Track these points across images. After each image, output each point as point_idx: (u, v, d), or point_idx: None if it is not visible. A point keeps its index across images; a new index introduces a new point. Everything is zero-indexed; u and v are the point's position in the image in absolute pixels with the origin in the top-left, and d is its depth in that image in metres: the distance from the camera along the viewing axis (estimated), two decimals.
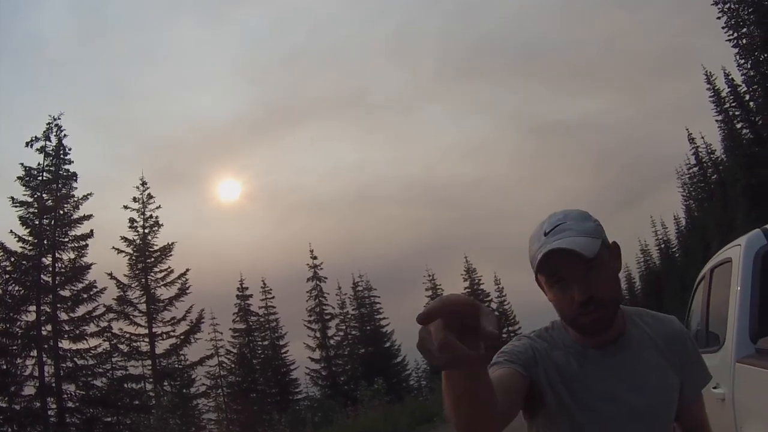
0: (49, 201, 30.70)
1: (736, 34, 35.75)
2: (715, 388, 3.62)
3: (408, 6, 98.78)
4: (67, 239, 30.93)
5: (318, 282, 47.29)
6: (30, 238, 29.86)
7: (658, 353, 1.89)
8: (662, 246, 69.66)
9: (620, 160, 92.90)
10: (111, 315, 32.13)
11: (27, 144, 30.67)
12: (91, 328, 30.66)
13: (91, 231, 31.39)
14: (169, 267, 35.41)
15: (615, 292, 1.79)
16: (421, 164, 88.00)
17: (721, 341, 3.85)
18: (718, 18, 36.07)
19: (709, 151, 51.66)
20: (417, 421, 24.60)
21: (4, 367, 27.67)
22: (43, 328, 29.10)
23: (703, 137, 51.90)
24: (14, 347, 28.24)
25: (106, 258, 34.29)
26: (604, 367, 1.84)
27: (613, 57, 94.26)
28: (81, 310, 30.53)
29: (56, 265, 30.32)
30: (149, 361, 33.03)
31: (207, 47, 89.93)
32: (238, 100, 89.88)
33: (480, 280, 55.87)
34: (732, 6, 35.74)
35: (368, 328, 48.88)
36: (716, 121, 43.47)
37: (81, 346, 29.96)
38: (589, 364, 1.84)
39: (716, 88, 42.67)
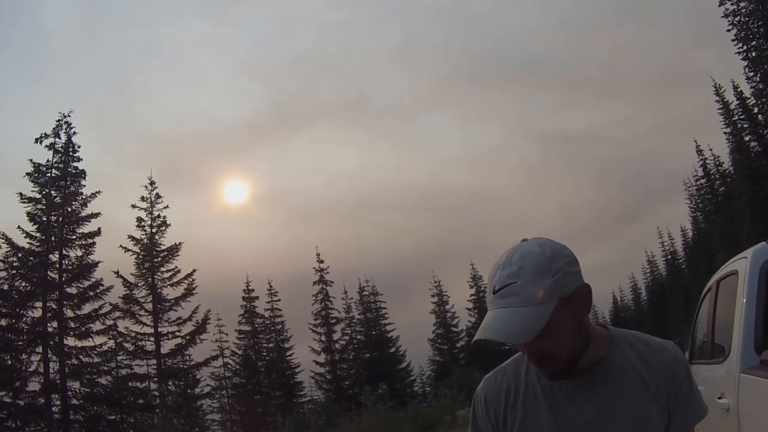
0: (58, 198, 30.84)
1: (745, 47, 35.75)
2: (719, 398, 3.64)
3: (416, 14, 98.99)
4: (74, 236, 31.04)
5: (324, 286, 47.32)
6: (37, 235, 29.99)
7: (641, 384, 1.75)
8: (669, 257, 69.35)
9: (627, 171, 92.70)
10: (117, 313, 32.33)
11: (36, 140, 30.89)
12: (97, 325, 30.83)
13: (99, 229, 31.57)
14: (176, 267, 35.67)
15: (571, 347, 1.70)
16: (427, 171, 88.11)
17: (726, 352, 3.84)
18: (728, 30, 36.15)
19: (717, 163, 51.49)
20: (420, 428, 24.48)
21: (9, 362, 27.78)
22: (48, 325, 29.23)
23: (711, 149, 51.79)
24: (20, 343, 28.34)
25: (113, 256, 34.53)
26: (574, 401, 1.75)
27: (622, 69, 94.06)
28: (87, 308, 30.75)
29: (63, 262, 30.41)
30: (154, 361, 33.16)
31: (215, 49, 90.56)
32: (246, 102, 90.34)
33: (486, 287, 55.62)
34: (742, 19, 35.75)
35: (374, 332, 48.82)
36: (725, 133, 43.33)
37: (86, 343, 30.11)
38: (559, 398, 1.77)
39: (725, 100, 42.52)
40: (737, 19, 35.82)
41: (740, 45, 35.82)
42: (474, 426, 1.95)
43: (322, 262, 47.45)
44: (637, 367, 1.77)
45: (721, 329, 4.23)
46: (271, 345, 44.23)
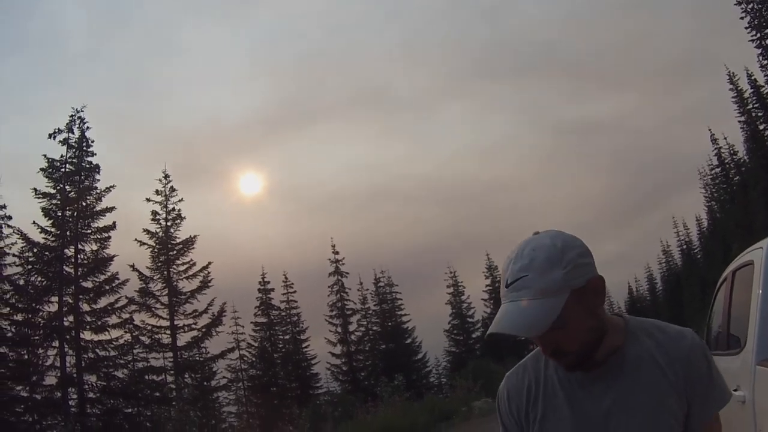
0: (72, 193, 30.98)
1: (759, 35, 35.45)
2: (735, 390, 3.53)
3: (428, 6, 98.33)
4: (89, 231, 31.17)
5: (339, 277, 47.39)
6: (53, 230, 30.14)
7: (658, 372, 1.75)
8: (684, 247, 68.82)
9: (641, 160, 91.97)
10: (133, 307, 32.44)
11: (50, 136, 30.92)
12: (113, 319, 30.93)
13: (114, 223, 31.63)
14: (191, 260, 35.71)
15: (584, 339, 1.71)
16: (439, 162, 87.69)
17: (742, 344, 3.79)
18: (741, 18, 35.81)
19: (732, 152, 50.98)
20: (436, 419, 24.45)
21: (26, 357, 28.02)
22: (65, 319, 29.34)
23: (725, 138, 51.25)
24: (36, 337, 28.58)
25: (128, 250, 34.67)
26: (590, 392, 1.77)
27: (635, 58, 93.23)
28: (103, 302, 30.86)
29: (78, 256, 30.56)
30: (170, 353, 33.25)
31: (227, 47, 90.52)
32: (258, 98, 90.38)
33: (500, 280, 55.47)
34: (755, 6, 35.40)
35: (389, 324, 48.84)
36: (739, 122, 43.13)
37: (102, 337, 30.28)
38: (576, 391, 1.78)
39: (739, 88, 42.31)
40: (750, 6, 35.51)
41: (753, 33, 35.52)
42: (501, 424, 1.97)
43: (337, 253, 47.58)
44: (655, 356, 1.77)
45: (736, 320, 4.19)
46: (287, 337, 44.39)
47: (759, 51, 35.86)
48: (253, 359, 41.60)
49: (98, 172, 31.77)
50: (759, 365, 3.39)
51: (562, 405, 1.79)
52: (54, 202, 30.44)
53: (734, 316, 4.30)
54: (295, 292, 45.44)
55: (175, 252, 35.51)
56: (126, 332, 31.32)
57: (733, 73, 42.58)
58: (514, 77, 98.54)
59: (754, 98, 40.53)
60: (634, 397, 1.73)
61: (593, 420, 1.74)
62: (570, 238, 1.73)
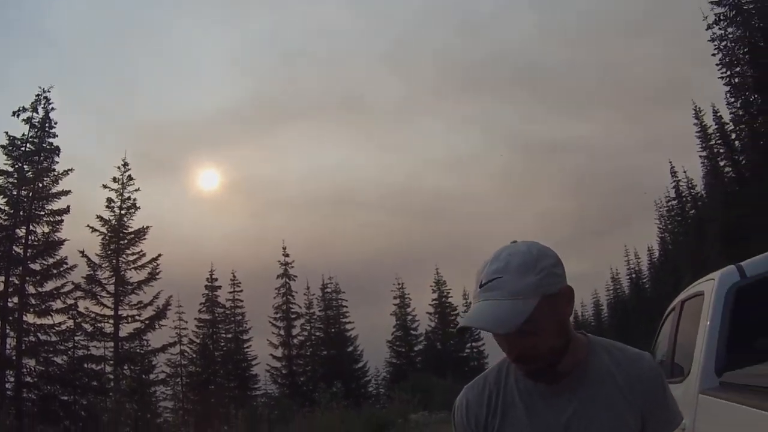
0: (30, 173, 30.58)
1: (729, 72, 36.03)
2: None
3: (411, 19, 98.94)
4: (43, 213, 30.81)
5: (287, 280, 47.56)
6: (6, 208, 29.79)
7: (617, 391, 1.80)
8: (633, 276, 70.39)
9: (603, 186, 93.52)
10: (78, 293, 32.01)
11: (14, 113, 30.66)
12: (58, 304, 30.53)
13: (68, 207, 31.32)
14: (142, 250, 35.43)
15: (551, 345, 1.75)
16: (406, 173, 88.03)
17: (685, 372, 3.91)
18: (713, 55, 36.47)
19: (690, 185, 52.00)
20: (373, 428, 24.80)
21: None
22: (9, 300, 28.90)
23: (685, 171, 52.09)
24: None
25: (79, 236, 34.10)
26: (551, 404, 1.81)
27: (607, 84, 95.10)
28: (49, 285, 30.44)
29: (29, 237, 30.20)
30: (112, 343, 32.87)
31: (205, 41, 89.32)
32: (230, 92, 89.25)
33: (449, 293, 56.16)
34: (728, 44, 36.13)
35: (333, 330, 49.10)
36: (700, 156, 43.87)
37: (45, 321, 29.83)
38: (536, 402, 1.82)
39: (704, 123, 43.12)
40: (723, 44, 36.20)
41: (724, 70, 36.18)
42: None
43: (287, 255, 47.77)
44: (614, 374, 1.82)
45: (682, 349, 4.28)
46: (229, 336, 44.30)
47: (727, 89, 36.46)
48: (194, 356, 41.41)
49: (58, 154, 31.49)
50: (702, 394, 3.49)
51: (522, 416, 1.81)
52: (11, 180, 30.07)
53: (680, 345, 4.39)
54: (241, 291, 45.54)
55: (126, 241, 35.18)
56: (69, 318, 30.98)
57: (699, 108, 43.40)
58: (487, 94, 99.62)
59: (718, 135, 41.26)
60: (594, 411, 1.77)
61: (553, 431, 1.78)
62: (545, 248, 1.79)
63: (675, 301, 5.02)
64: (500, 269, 1.72)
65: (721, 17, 35.63)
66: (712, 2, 35.72)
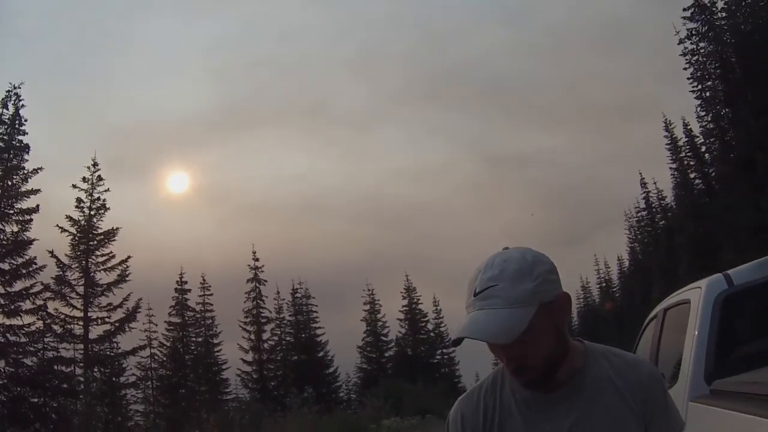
0: None
1: (700, 86, 36.55)
2: None
3: (377, 28, 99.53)
4: (12, 211, 30.22)
5: (257, 284, 47.39)
6: None
7: (618, 396, 1.75)
8: (603, 285, 71.27)
9: (571, 197, 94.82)
10: (48, 294, 31.37)
11: None
12: (27, 304, 29.92)
13: (37, 206, 30.71)
14: (111, 252, 34.95)
15: (550, 354, 1.72)
16: (373, 182, 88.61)
17: (672, 380, 3.86)
18: (685, 69, 37.00)
19: (660, 197, 53.04)
20: None
21: None
22: None
23: (655, 183, 53.29)
24: None
25: (48, 235, 33.59)
26: (549, 415, 1.76)
27: (577, 97, 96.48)
28: (18, 286, 29.88)
29: None
30: (81, 345, 32.40)
31: (175, 44, 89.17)
32: (199, 96, 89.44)
33: (419, 299, 56.40)
34: (700, 59, 36.66)
35: (303, 335, 49.04)
36: (670, 168, 44.71)
37: (14, 322, 29.20)
38: (534, 413, 1.77)
39: (674, 136, 44.16)
40: (695, 58, 36.70)
41: (695, 84, 36.67)
42: None
43: (257, 260, 47.64)
44: (614, 380, 1.77)
45: (665, 357, 4.25)
46: (199, 339, 43.95)
47: (698, 102, 36.99)
48: (164, 359, 40.98)
49: (27, 152, 30.89)
50: (692, 402, 3.48)
51: (520, 428, 1.77)
52: None
53: (663, 353, 4.36)
54: (211, 294, 45.25)
55: (95, 242, 34.71)
56: (38, 319, 30.37)
57: (669, 121, 44.51)
58: (455, 105, 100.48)
59: (688, 147, 42.17)
60: (596, 419, 1.72)
61: None
62: (539, 254, 1.74)
63: (656, 308, 5.01)
64: (495, 277, 1.66)
65: (693, 32, 36.19)
66: (684, 18, 36.29)
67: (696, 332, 3.69)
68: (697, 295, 3.89)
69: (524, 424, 1.77)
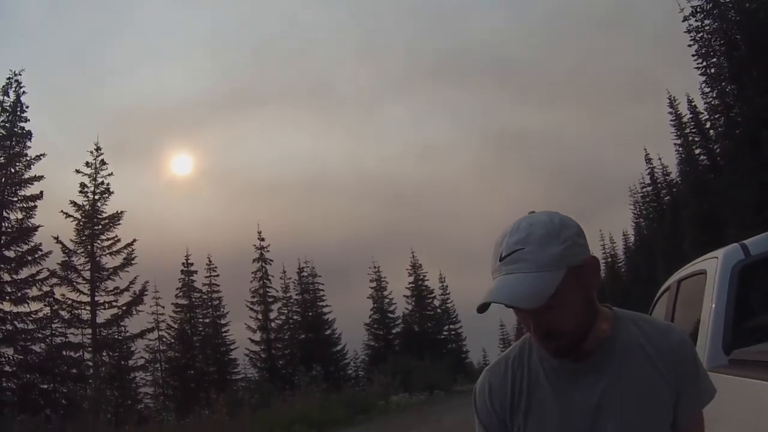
0: (1, 158, 30.09)
1: (705, 63, 36.47)
2: None
3: (384, 8, 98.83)
4: (16, 199, 30.32)
5: (263, 264, 47.28)
6: None
7: (649, 365, 1.71)
8: (609, 260, 71.27)
9: (577, 174, 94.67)
10: (54, 280, 31.61)
11: None
12: (34, 291, 30.12)
13: (41, 192, 30.87)
14: (116, 236, 35.13)
15: (578, 320, 1.67)
16: (378, 160, 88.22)
17: None
18: (689, 46, 36.87)
19: (665, 172, 52.77)
20: (354, 411, 24.97)
21: None
22: None
23: (660, 158, 53.06)
24: None
25: (53, 221, 33.62)
26: (578, 384, 1.72)
27: (584, 75, 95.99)
28: (24, 273, 30.03)
29: (3, 224, 29.74)
30: (89, 330, 32.59)
31: (178, 26, 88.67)
32: (202, 78, 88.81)
33: (425, 276, 56.41)
34: (705, 36, 36.52)
35: (310, 314, 49.01)
36: (675, 144, 44.49)
37: (22, 309, 29.43)
38: (563, 382, 1.73)
39: (678, 113, 43.90)
40: (700, 35, 36.55)
41: (700, 61, 36.55)
42: (478, 422, 1.87)
43: (263, 239, 47.50)
44: (644, 347, 1.73)
45: (681, 328, 4.39)
46: (207, 320, 43.98)
47: (703, 79, 36.86)
48: (172, 341, 41.12)
49: (30, 139, 31.02)
50: (711, 372, 3.41)
51: (549, 397, 1.73)
52: None
53: (678, 324, 4.19)
54: (218, 275, 45.16)
55: (100, 226, 34.83)
56: (46, 305, 30.57)
57: (674, 97, 44.25)
58: (461, 83, 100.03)
59: (692, 123, 41.88)
60: (626, 387, 1.68)
61: (582, 411, 1.69)
62: (566, 217, 1.71)
63: (670, 280, 4.91)
64: (522, 240, 1.61)
65: (698, 9, 35.95)
66: None
67: (713, 303, 3.64)
68: (713, 265, 3.82)
69: (553, 393, 1.73)
